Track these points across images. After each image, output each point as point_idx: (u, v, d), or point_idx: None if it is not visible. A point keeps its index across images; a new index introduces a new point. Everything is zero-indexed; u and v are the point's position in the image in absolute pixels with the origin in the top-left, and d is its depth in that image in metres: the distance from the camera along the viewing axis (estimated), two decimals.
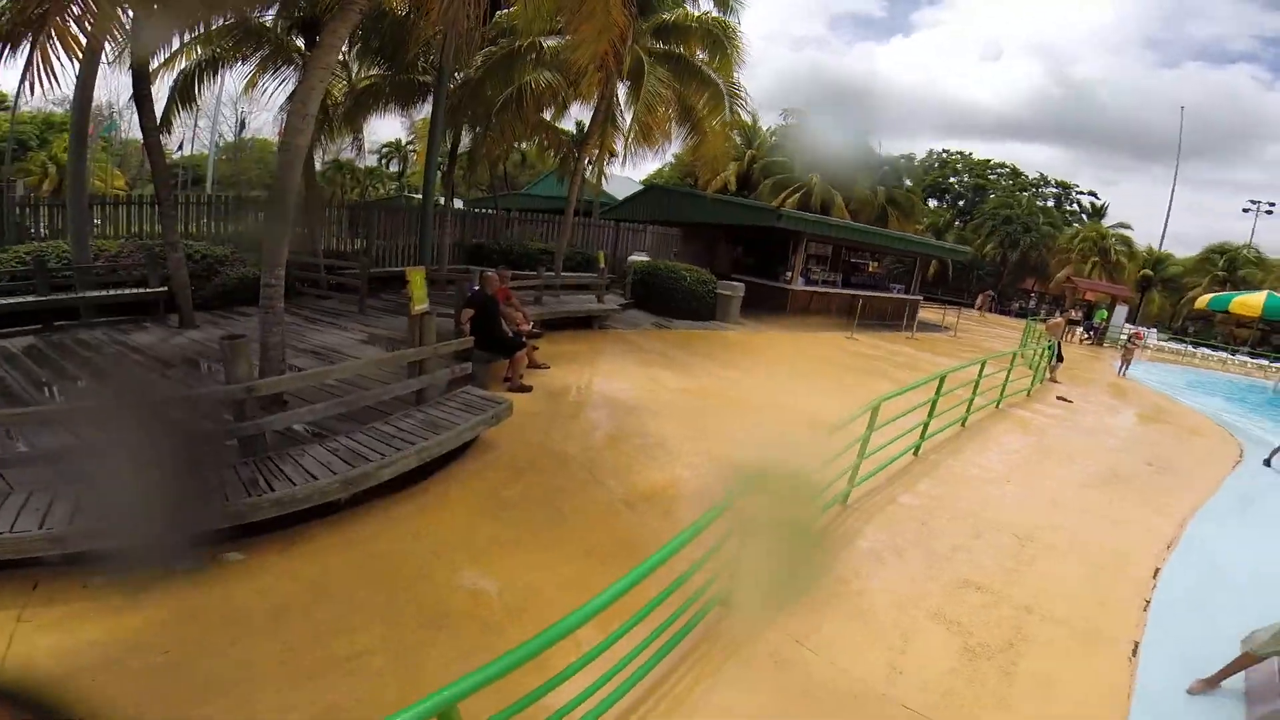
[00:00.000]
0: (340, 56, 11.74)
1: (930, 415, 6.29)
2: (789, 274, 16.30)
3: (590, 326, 11.13)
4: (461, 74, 11.71)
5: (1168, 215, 48.67)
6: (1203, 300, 26.86)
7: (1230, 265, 32.14)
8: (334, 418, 4.67)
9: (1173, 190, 42.97)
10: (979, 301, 31.50)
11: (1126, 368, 15.01)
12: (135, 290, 8.22)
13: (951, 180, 45.03)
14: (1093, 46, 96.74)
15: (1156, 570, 4.68)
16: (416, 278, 5.05)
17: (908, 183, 33.31)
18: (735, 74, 11.77)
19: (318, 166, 15.80)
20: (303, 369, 5.78)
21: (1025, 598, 4.20)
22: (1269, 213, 33.92)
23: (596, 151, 14.29)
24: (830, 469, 4.64)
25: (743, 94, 11.80)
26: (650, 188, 21.87)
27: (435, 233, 13.96)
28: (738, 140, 31.06)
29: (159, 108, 9.11)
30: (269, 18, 9.96)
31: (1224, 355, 23.85)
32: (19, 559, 3.03)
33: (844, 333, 14.72)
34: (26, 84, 4.68)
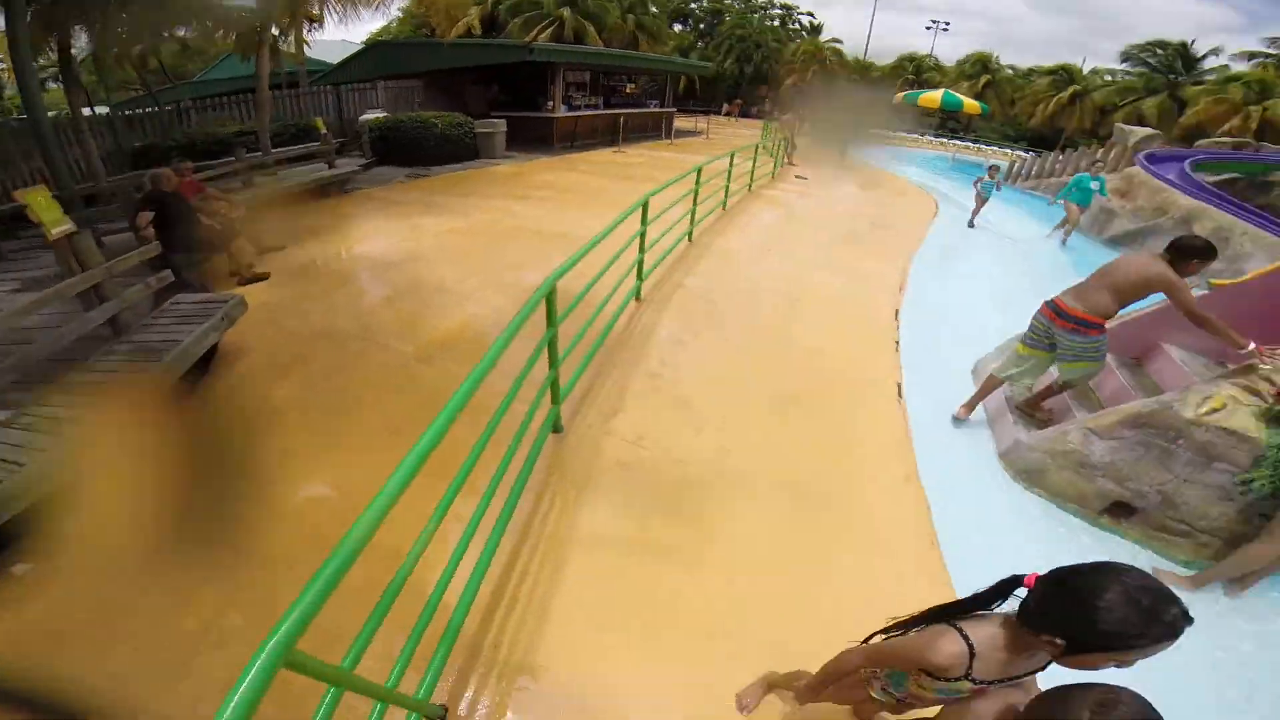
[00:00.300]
0: None
1: (695, 204, 6.58)
2: (550, 104, 15.48)
3: (328, 195, 9.49)
4: None
5: (870, 32, 55.79)
6: (898, 98, 31.96)
7: (917, 70, 39.37)
8: (13, 388, 3.44)
9: (874, 12, 48.80)
10: (726, 109, 35.35)
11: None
12: None
13: (693, 6, 47.20)
14: None
15: (896, 312, 5.65)
16: (36, 198, 3.68)
17: (654, 10, 33.05)
18: None
19: None
20: None
21: (807, 339, 4.89)
22: (945, 29, 41.79)
23: (287, 20, 11.33)
24: (618, 270, 4.65)
25: None
26: (373, 45, 18.71)
27: (73, 149, 10.41)
28: None
29: None
30: None
31: (915, 136, 29.40)
32: None
33: (612, 149, 14.79)
34: None
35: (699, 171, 6.43)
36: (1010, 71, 37.79)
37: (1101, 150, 13.32)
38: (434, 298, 5.34)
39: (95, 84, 24.81)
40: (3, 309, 4.55)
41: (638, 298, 5.32)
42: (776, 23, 47.07)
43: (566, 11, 26.62)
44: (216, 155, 9.88)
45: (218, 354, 4.43)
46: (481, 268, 6.02)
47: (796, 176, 11.94)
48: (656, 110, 19.88)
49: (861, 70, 40.59)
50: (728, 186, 8.07)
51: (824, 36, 44.21)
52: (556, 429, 3.53)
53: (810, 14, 50.18)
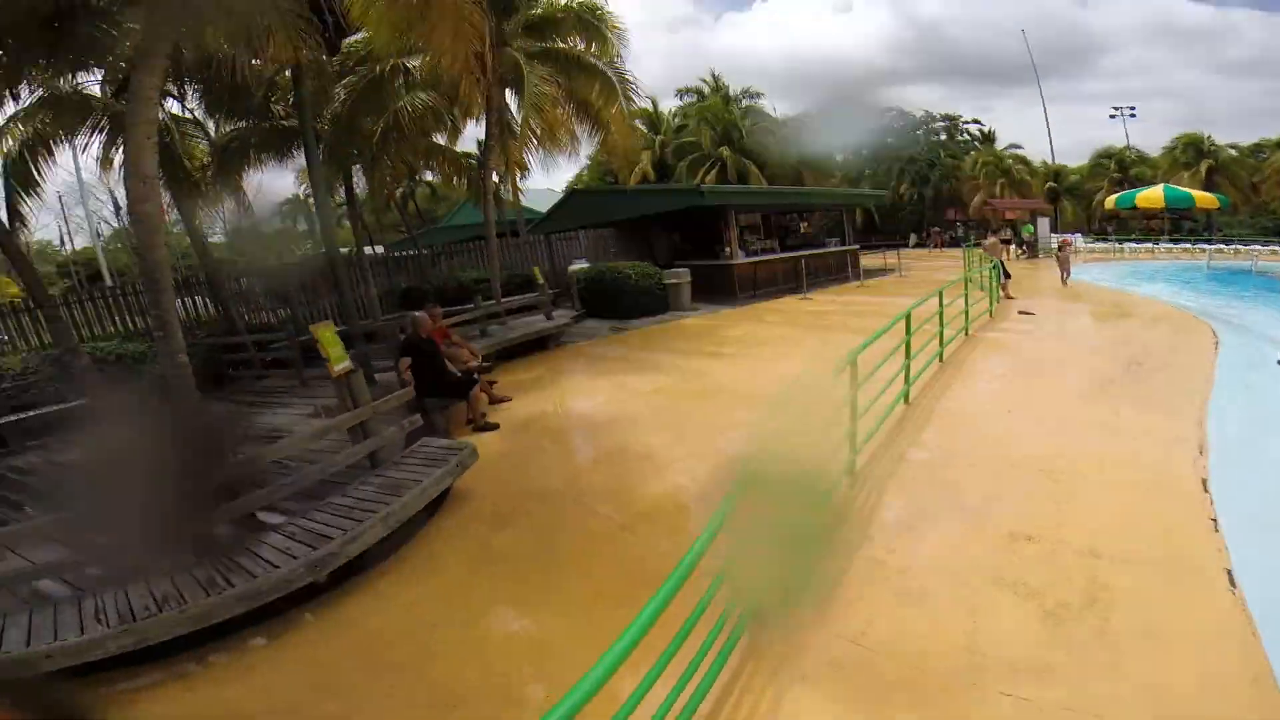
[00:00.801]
0: (190, 114, 10.82)
1: (908, 356, 5.99)
2: (727, 249, 16.03)
3: (546, 347, 10.52)
4: (329, 111, 10.92)
5: (1048, 130, 51.27)
6: (1109, 201, 28.39)
7: (1121, 166, 34.14)
8: (291, 499, 4.24)
9: (1044, 107, 45.32)
10: (920, 239, 31.89)
11: (1067, 274, 14.34)
12: (53, 408, 7.26)
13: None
14: None
15: (1204, 481, 4.40)
16: (325, 334, 4.41)
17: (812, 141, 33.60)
18: (618, 57, 11.50)
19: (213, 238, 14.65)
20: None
21: (1084, 540, 3.79)
22: (1132, 116, 37.01)
23: (503, 168, 13.70)
24: (826, 440, 4.27)
25: (631, 77, 11.53)
26: (572, 193, 21.26)
27: (360, 286, 13.05)
28: (644, 129, 30.87)
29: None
30: (94, 87, 9.01)
31: (1149, 245, 25.27)
32: None
33: (796, 295, 14.57)
34: None
35: (908, 318, 5.90)
36: (1234, 151, 31.42)
37: None
38: (639, 464, 5.36)
39: (373, 224, 31.09)
40: (298, 431, 5.50)
41: (851, 473, 4.76)
42: (943, 136, 43.80)
43: (726, 150, 28.30)
44: (458, 301, 11.55)
45: (450, 494, 4.87)
46: (683, 431, 5.99)
47: (1020, 312, 10.62)
48: (838, 249, 19.10)
49: (1054, 175, 36.30)
50: (942, 333, 7.33)
51: (999, 144, 40.45)
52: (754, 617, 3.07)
53: (977, 121, 46.86)
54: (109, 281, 23.23)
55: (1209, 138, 31.66)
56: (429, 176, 23.77)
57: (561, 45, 11.39)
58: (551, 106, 11.07)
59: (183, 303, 11.68)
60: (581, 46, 11.54)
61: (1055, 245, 19.15)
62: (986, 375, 7.14)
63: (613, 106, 11.45)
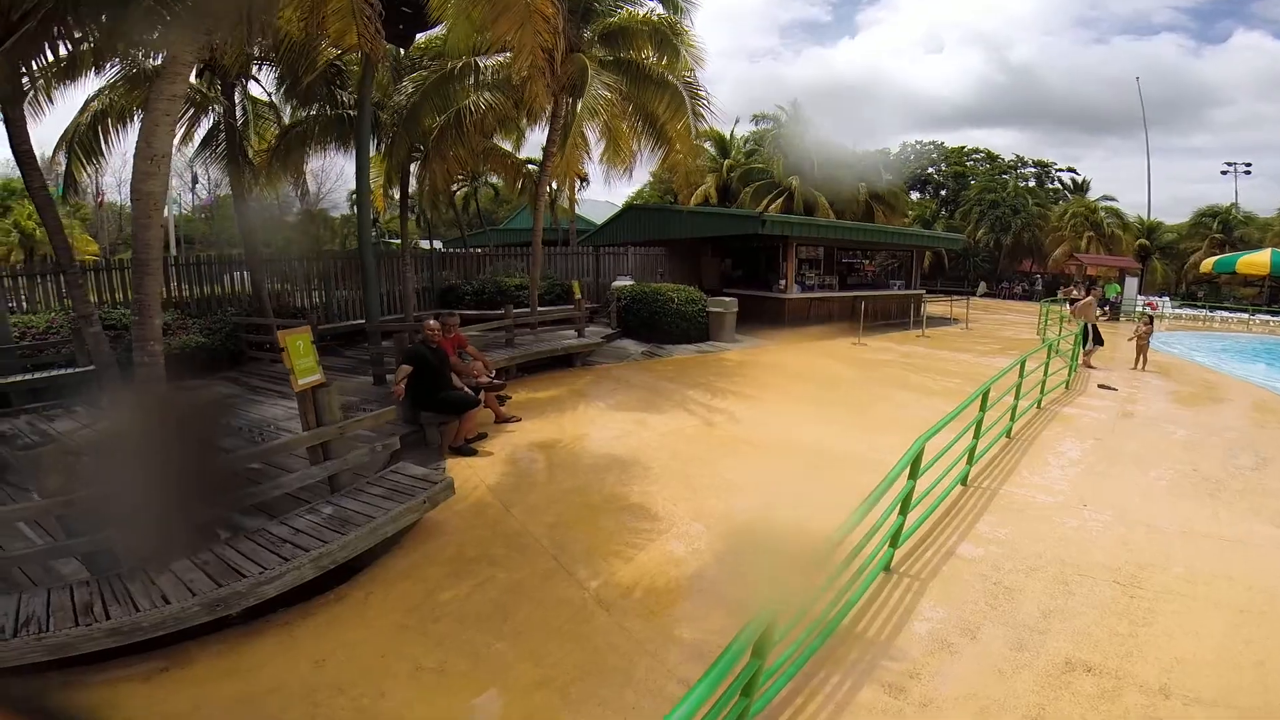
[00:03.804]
0: (267, 97, 10.99)
1: (977, 436, 5.12)
2: (782, 282, 15.29)
3: (573, 364, 10.02)
4: (393, 105, 10.85)
5: (1149, 184, 47.91)
6: (1207, 264, 26.32)
7: (1224, 227, 31.66)
8: (245, 513, 3.89)
9: (1148, 159, 42.36)
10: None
11: (1144, 359, 11.31)
12: (61, 371, 7.23)
13: (930, 171, 44.34)
14: (1027, 29, 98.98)
15: None
16: (294, 343, 3.93)
17: (888, 177, 32.17)
18: (689, 72, 10.94)
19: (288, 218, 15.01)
20: None
21: (1155, 675, 3.04)
22: (1247, 173, 34.17)
23: (563, 176, 13.46)
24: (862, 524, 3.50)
25: (704, 93, 10.88)
26: (629, 208, 20.93)
27: (395, 280, 12.95)
28: (711, 151, 30.40)
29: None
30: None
31: (1243, 316, 23.38)
32: None
33: (850, 338, 13.50)
34: None
35: (984, 397, 5.03)
36: None
37: None
38: (636, 520, 4.70)
39: (436, 220, 31.57)
40: (289, 425, 5.10)
41: (887, 569, 3.97)
42: (1031, 183, 42.21)
43: (796, 180, 27.30)
44: (496, 305, 11.21)
45: (418, 526, 4.36)
46: (694, 486, 5.29)
47: (1100, 386, 9.41)
48: (902, 293, 18.01)
49: (1149, 231, 33.63)
50: (1015, 407, 6.36)
51: (1092, 195, 38.43)
52: None
53: (1071, 169, 43.92)
54: (173, 251, 24.28)
55: None
56: (493, 179, 24.02)
57: (633, 56, 11.06)
58: (612, 114, 10.67)
59: (226, 280, 11.73)
60: (654, 59, 11.18)
61: (1140, 313, 16.57)
62: (1060, 458, 6.12)
63: (679, 121, 10.86)
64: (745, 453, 6.19)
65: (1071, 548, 4.34)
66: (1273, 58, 75.63)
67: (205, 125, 10.40)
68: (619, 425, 6.94)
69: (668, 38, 10.80)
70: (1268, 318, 22.89)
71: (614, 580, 3.90)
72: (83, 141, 9.25)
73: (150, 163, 4.28)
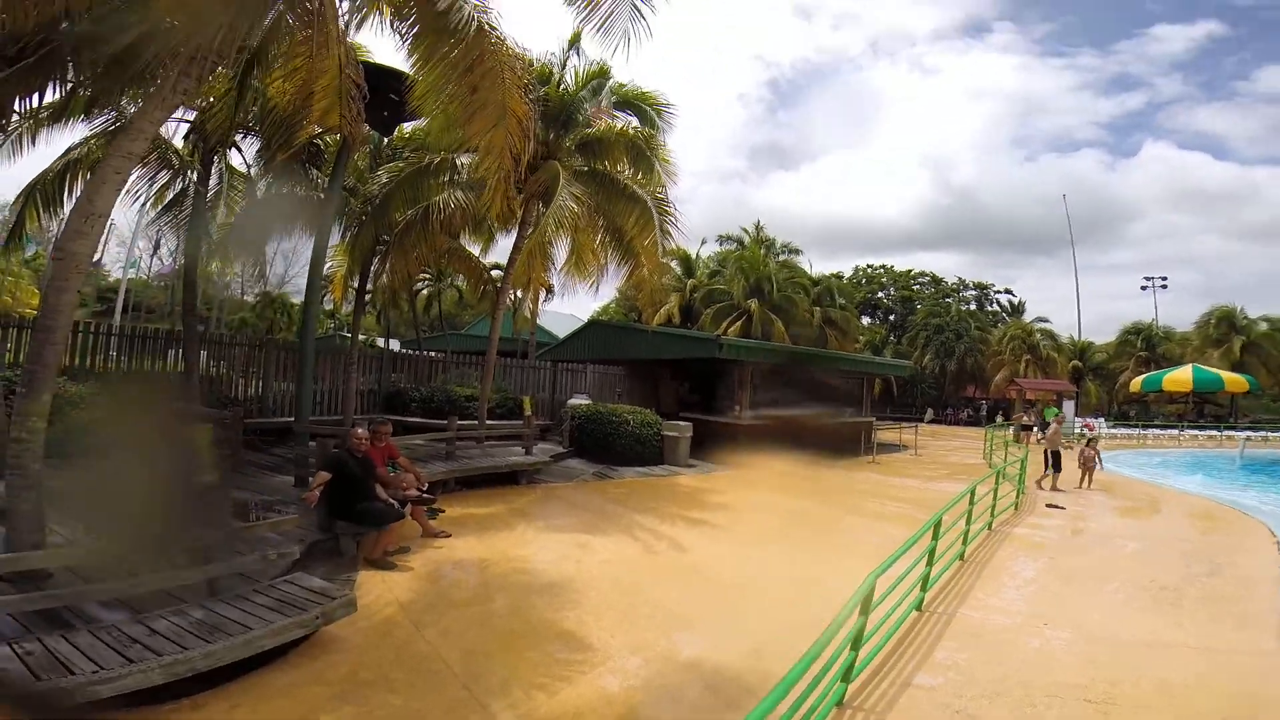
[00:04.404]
0: (245, 168, 10.72)
1: (930, 564, 4.94)
2: (736, 408, 15.31)
3: (517, 481, 9.56)
4: (366, 191, 10.83)
5: (1078, 303, 51.78)
6: (1135, 384, 27.80)
7: (1148, 344, 33.63)
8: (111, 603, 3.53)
9: (1076, 278, 45.50)
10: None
11: (1090, 478, 11.38)
12: None
13: (880, 295, 46.66)
14: (970, 148, 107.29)
15: None
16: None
17: (841, 301, 33.89)
18: (661, 189, 11.14)
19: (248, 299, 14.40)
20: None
21: None
22: (1164, 287, 37.20)
23: (525, 285, 13.27)
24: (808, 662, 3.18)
25: (673, 210, 11.07)
26: (592, 324, 21.19)
27: (336, 377, 12.32)
28: (677, 269, 31.35)
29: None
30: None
31: (1172, 432, 24.51)
32: None
33: (803, 464, 13.41)
34: None
35: (936, 526, 4.90)
36: (1265, 325, 30.24)
37: None
38: (566, 650, 4.20)
39: (397, 319, 30.52)
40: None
41: (839, 704, 3.58)
42: (972, 305, 44.45)
43: (755, 303, 28.33)
44: (444, 415, 10.66)
45: (311, 640, 3.83)
46: (634, 616, 4.86)
47: (1048, 505, 9.45)
48: (854, 420, 18.04)
49: (1080, 353, 35.53)
50: (967, 531, 6.21)
51: (1027, 316, 40.62)
52: None
53: (1008, 290, 46.70)
54: (117, 316, 23.04)
55: (1242, 311, 30.93)
56: (459, 281, 23.99)
57: (607, 168, 11.25)
58: (578, 227, 10.63)
59: (169, 355, 11.17)
60: (629, 173, 11.33)
61: (1082, 438, 17.08)
62: (1015, 578, 5.93)
63: (646, 237, 10.79)
64: (693, 582, 5.78)
65: (1035, 669, 4.07)
66: (1177, 167, 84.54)
67: (178, 190, 10.12)
68: (558, 548, 6.48)
69: (643, 152, 11.07)
70: (1195, 432, 24.27)
71: (534, 716, 3.39)
72: (46, 189, 8.96)
73: (85, 221, 4.10)
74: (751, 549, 7.05)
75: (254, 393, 12.14)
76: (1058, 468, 11.05)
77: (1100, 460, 11.71)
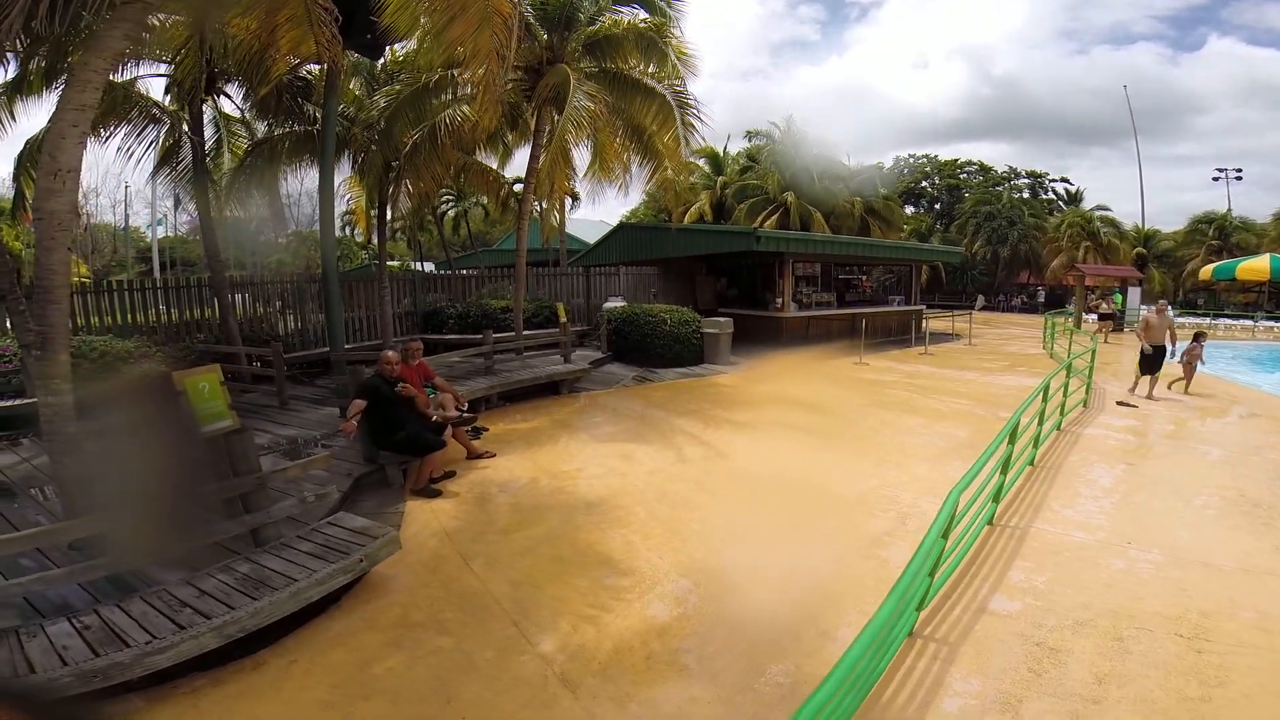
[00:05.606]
0: (239, 113, 10.59)
1: (1004, 473, 4.52)
2: (779, 300, 14.74)
3: (558, 391, 9.43)
4: (365, 118, 10.40)
5: (1141, 192, 47.98)
6: (1206, 271, 26.13)
7: (1221, 234, 31.21)
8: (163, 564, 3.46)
9: (1139, 168, 42.37)
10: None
11: (1188, 381, 9.74)
12: (9, 402, 6.88)
13: (924, 184, 43.91)
14: (1011, 43, 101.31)
15: None
16: (196, 385, 3.37)
17: (883, 191, 31.70)
18: (682, 81, 10.45)
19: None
20: None
21: None
22: (1239, 179, 33.87)
23: (549, 193, 13.01)
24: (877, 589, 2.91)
25: (693, 102, 10.26)
26: (621, 227, 20.42)
27: (372, 302, 12.45)
28: (705, 168, 30.02)
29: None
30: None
31: (1246, 323, 23.26)
32: None
33: (851, 358, 12.90)
34: None
35: (1013, 431, 4.44)
36: None
37: None
38: (614, 576, 4.08)
39: (428, 242, 30.45)
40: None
41: (909, 633, 3.36)
42: (1026, 194, 41.50)
43: (791, 196, 26.87)
44: (481, 329, 10.61)
45: (364, 581, 3.81)
46: (683, 533, 4.69)
47: (1118, 403, 8.81)
48: (902, 309, 17.47)
49: (1145, 240, 33.19)
50: (1039, 434, 5.75)
51: (1086, 205, 37.60)
52: None
53: (1065, 179, 43.45)
54: (155, 273, 23.77)
55: None
56: (483, 199, 23.50)
57: (619, 65, 10.62)
58: (596, 127, 10.19)
59: (193, 307, 11.23)
60: (641, 67, 10.71)
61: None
62: (1092, 488, 5.51)
63: (668, 133, 10.27)
64: (742, 493, 5.56)
65: (1121, 595, 3.75)
66: (1247, 64, 76.90)
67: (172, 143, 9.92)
68: (603, 460, 6.33)
69: (654, 42, 10.29)
70: (1272, 324, 22.72)
71: (584, 652, 3.28)
72: (32, 158, 8.80)
73: (54, 179, 3.82)
74: (800, 453, 6.74)
75: (295, 327, 12.36)
76: (1156, 368, 9.14)
77: (1203, 359, 9.87)
